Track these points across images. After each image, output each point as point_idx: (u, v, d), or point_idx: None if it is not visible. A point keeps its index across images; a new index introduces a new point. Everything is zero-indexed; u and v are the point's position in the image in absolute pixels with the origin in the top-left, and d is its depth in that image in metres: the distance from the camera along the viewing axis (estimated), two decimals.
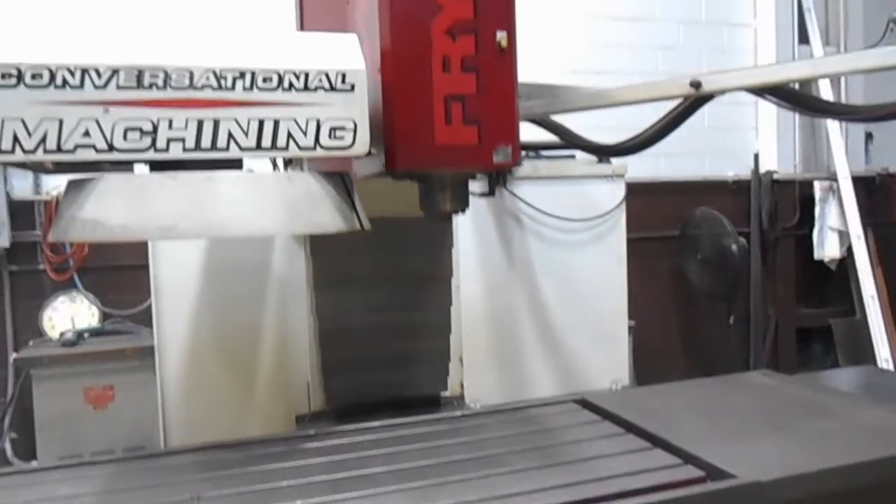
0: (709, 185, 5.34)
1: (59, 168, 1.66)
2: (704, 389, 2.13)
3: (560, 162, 3.24)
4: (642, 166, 4.47)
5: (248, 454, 1.71)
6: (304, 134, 1.55)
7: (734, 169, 5.44)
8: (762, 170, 5.39)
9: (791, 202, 5.49)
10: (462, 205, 1.84)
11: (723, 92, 2.21)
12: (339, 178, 1.68)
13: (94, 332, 3.77)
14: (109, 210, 1.45)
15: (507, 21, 1.67)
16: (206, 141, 1.50)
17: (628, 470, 1.50)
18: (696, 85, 2.18)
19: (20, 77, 1.39)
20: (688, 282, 5.07)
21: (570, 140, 2.71)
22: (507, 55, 1.67)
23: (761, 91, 2.18)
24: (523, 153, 3.18)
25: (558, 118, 2.76)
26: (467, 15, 1.63)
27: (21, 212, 3.89)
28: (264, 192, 1.52)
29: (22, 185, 3.95)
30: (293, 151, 1.55)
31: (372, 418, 2.40)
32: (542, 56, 4.76)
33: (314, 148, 1.56)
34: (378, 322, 2.52)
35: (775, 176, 5.38)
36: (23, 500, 1.44)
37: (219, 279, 2.55)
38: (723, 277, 4.79)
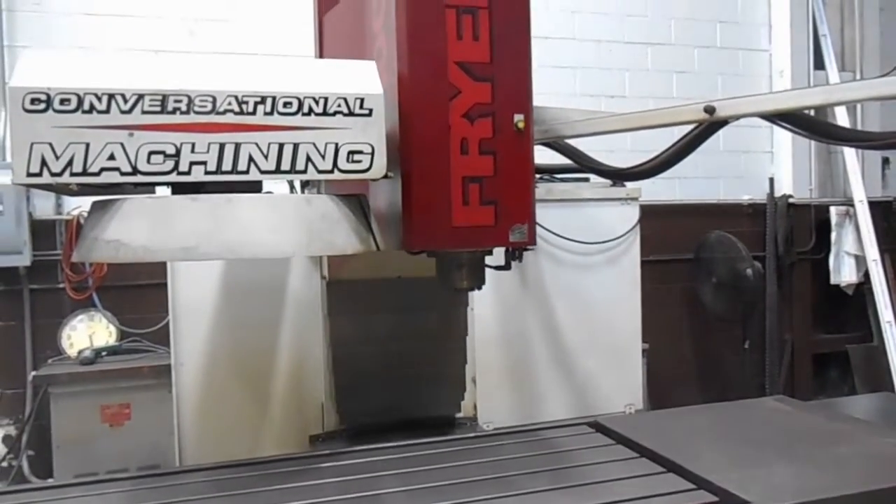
0: (724, 208, 5.33)
1: (84, 190, 1.70)
2: (718, 414, 2.12)
3: (574, 185, 3.27)
4: (657, 189, 4.49)
5: (260, 473, 1.72)
6: (323, 157, 1.59)
7: (749, 192, 5.44)
8: (778, 193, 5.38)
9: (807, 226, 5.47)
10: (478, 282, 1.86)
11: (737, 118, 2.23)
12: (355, 201, 1.71)
13: (112, 351, 3.81)
14: (132, 231, 1.48)
15: (525, 104, 1.71)
16: (227, 164, 1.53)
17: (641, 494, 1.50)
18: (710, 110, 2.19)
19: (49, 102, 1.44)
20: (702, 305, 5.05)
21: (583, 163, 2.73)
22: (525, 136, 1.71)
23: (775, 118, 2.19)
24: (537, 176, 3.21)
25: (572, 142, 2.80)
26: (485, 98, 1.66)
27: (43, 231, 3.95)
28: (283, 214, 1.55)
29: (43, 205, 4.02)
30: (312, 174, 1.59)
31: (385, 439, 2.40)
32: (556, 79, 4.82)
33: (332, 171, 1.60)
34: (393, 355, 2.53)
35: (791, 200, 5.37)
36: None
37: (236, 299, 2.59)
38: (737, 301, 4.76)
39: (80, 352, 3.69)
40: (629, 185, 3.27)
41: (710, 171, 5.28)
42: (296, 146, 1.57)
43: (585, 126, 2.56)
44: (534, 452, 1.80)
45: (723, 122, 2.28)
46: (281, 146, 1.56)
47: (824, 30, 5.50)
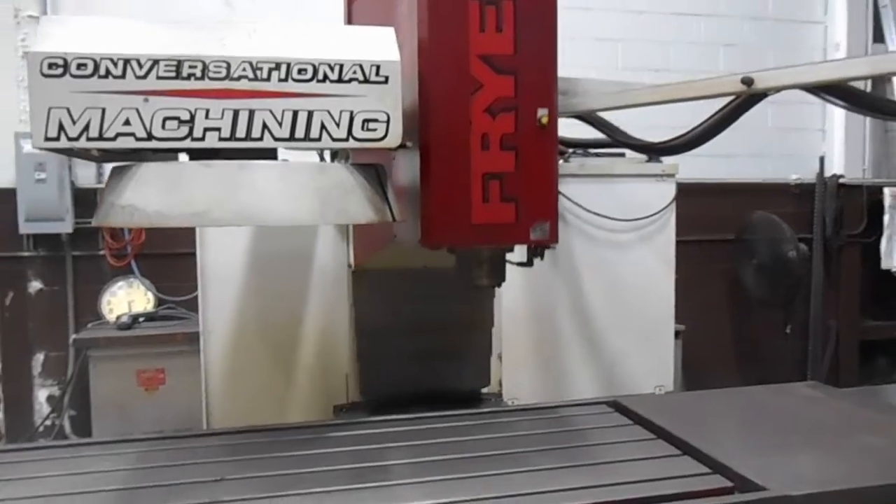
0: (769, 188, 5.15)
1: (106, 156, 1.71)
2: (745, 398, 2.06)
3: (608, 160, 3.18)
4: (698, 167, 4.36)
5: (276, 440, 1.73)
6: (338, 125, 1.56)
7: (797, 172, 5.23)
8: (828, 173, 5.17)
9: (858, 208, 5.24)
10: (499, 279, 1.81)
11: (777, 90, 2.13)
12: (372, 170, 1.69)
13: (149, 317, 3.91)
14: (147, 197, 1.49)
15: (549, 98, 1.63)
16: (241, 130, 1.52)
17: (652, 476, 1.46)
18: (747, 82, 2.10)
19: (66, 67, 1.44)
20: (743, 288, 4.91)
21: (616, 137, 2.66)
22: (548, 132, 1.63)
23: (818, 90, 2.08)
24: (570, 150, 3.14)
25: (606, 115, 2.72)
26: (508, 93, 1.60)
27: (84, 199, 4.05)
28: (296, 182, 1.54)
29: (85, 174, 4.12)
30: (326, 142, 1.56)
31: (409, 412, 2.39)
32: (597, 52, 4.70)
33: (347, 139, 1.57)
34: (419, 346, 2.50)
35: (842, 180, 5.16)
36: (55, 473, 1.50)
37: (263, 268, 2.61)
38: (780, 284, 4.61)
39: (118, 317, 3.79)
40: (666, 161, 3.18)
41: (757, 149, 5.09)
42: (310, 113, 1.55)
43: (619, 98, 2.49)
44: (548, 430, 1.78)
45: (762, 95, 2.18)
46: (295, 113, 1.54)
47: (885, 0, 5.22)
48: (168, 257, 4.01)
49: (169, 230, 3.65)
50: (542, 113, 1.61)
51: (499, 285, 1.82)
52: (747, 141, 4.93)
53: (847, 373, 5.19)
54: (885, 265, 5.18)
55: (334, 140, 1.57)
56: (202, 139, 1.50)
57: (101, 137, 1.47)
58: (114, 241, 4.03)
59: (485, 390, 2.75)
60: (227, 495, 1.38)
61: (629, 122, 2.77)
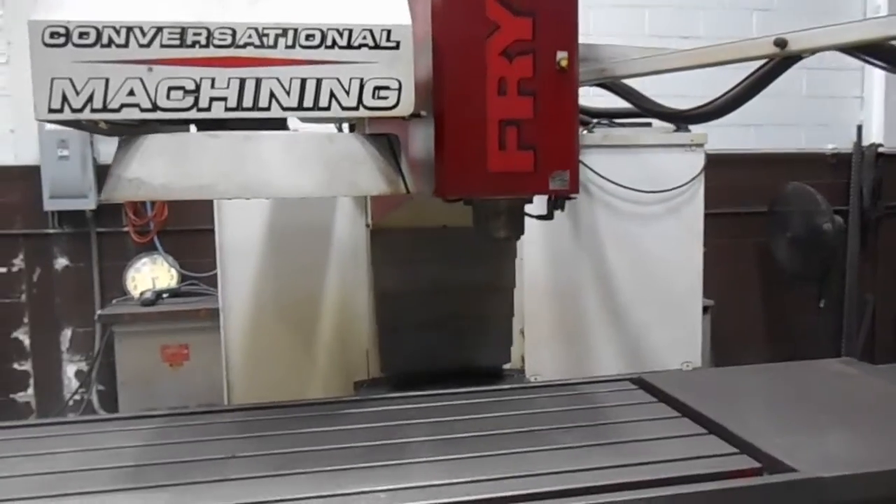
0: (803, 158, 4.97)
1: (114, 129, 1.68)
2: (774, 375, 1.98)
3: (633, 130, 3.09)
4: (730, 137, 4.23)
5: (292, 416, 1.71)
6: (347, 93, 1.50)
7: (834, 142, 5.04)
8: (866, 142, 4.97)
9: None
10: (517, 231, 1.75)
11: (812, 52, 2.01)
12: (384, 140, 1.63)
13: (172, 293, 3.92)
14: (152, 169, 1.45)
15: (569, 40, 1.55)
16: (247, 100, 1.47)
17: (677, 456, 1.40)
18: (781, 44, 1.99)
19: (68, 36, 1.40)
20: (775, 261, 4.76)
21: (641, 105, 2.56)
22: (568, 76, 1.56)
23: (859, 51, 1.96)
24: (594, 120, 3.05)
25: (632, 83, 2.62)
26: (525, 35, 1.53)
27: (107, 176, 4.05)
28: (303, 153, 1.49)
29: (107, 150, 4.12)
30: (335, 111, 1.51)
31: (430, 388, 2.37)
32: (622, 18, 4.55)
33: (357, 108, 1.51)
34: (439, 310, 2.45)
35: (881, 149, 4.95)
36: (70, 449, 1.49)
37: (281, 243, 2.58)
38: (814, 258, 4.47)
39: (142, 293, 3.81)
40: (694, 130, 3.07)
41: (791, 118, 4.91)
42: (319, 81, 1.49)
43: (644, 64, 2.38)
44: (569, 407, 1.72)
45: (796, 58, 2.07)
46: (303, 81, 1.49)
47: None
48: (190, 233, 4.01)
49: (190, 205, 3.72)
50: (562, 56, 1.53)
51: (518, 237, 1.77)
52: (780, 109, 4.75)
53: (883, 349, 5.04)
54: None
55: (344, 109, 1.51)
56: (208, 109, 1.46)
57: (105, 108, 1.43)
58: (136, 217, 4.04)
59: (507, 366, 2.71)
60: (238, 473, 1.36)
61: (653, 93, 2.66)
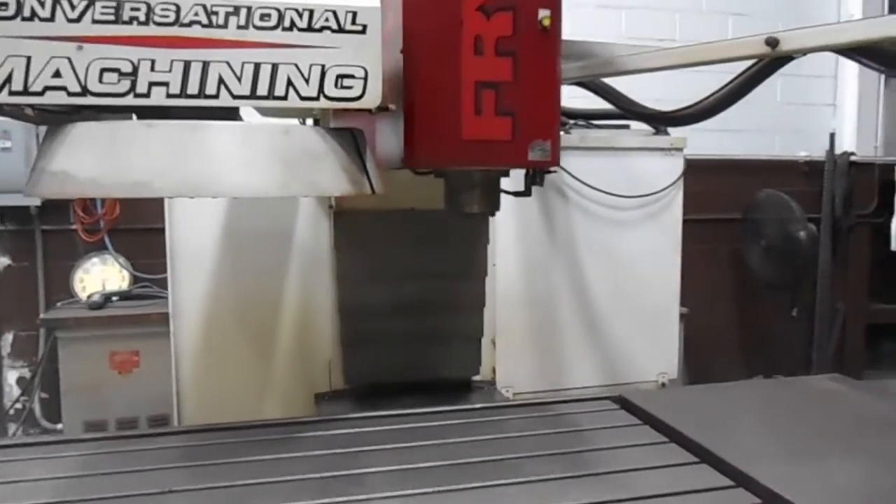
0: (777, 165, 4.94)
1: (44, 116, 1.49)
2: (763, 393, 1.86)
3: (611, 132, 2.98)
4: (703, 142, 4.14)
5: (240, 441, 1.53)
6: (307, 81, 1.35)
7: (807, 149, 5.02)
8: (839, 150, 4.96)
9: (869, 187, 5.03)
10: (491, 206, 1.64)
11: (804, 52, 1.91)
12: (347, 134, 1.47)
13: (123, 296, 3.69)
14: (80, 162, 1.27)
15: None
16: (193, 86, 1.31)
17: (666, 489, 1.26)
18: (772, 43, 1.88)
19: None
20: (748, 269, 4.71)
21: (622, 106, 2.45)
22: (550, 36, 1.45)
23: (852, 52, 1.87)
24: (571, 122, 2.93)
25: (611, 83, 2.50)
26: None
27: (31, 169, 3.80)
28: (255, 147, 1.32)
29: None
30: (293, 101, 1.35)
31: (395, 401, 2.29)
32: (599, 20, 4.46)
33: (317, 97, 1.36)
34: (405, 297, 2.31)
35: (853, 158, 4.94)
36: None
37: (238, 245, 2.42)
38: (788, 266, 4.42)
39: (89, 296, 3.58)
40: (674, 133, 2.97)
41: (765, 124, 4.87)
42: (274, 67, 1.34)
43: (628, 62, 2.25)
44: (545, 430, 1.58)
45: (786, 59, 1.97)
46: (257, 67, 1.33)
47: None
48: (144, 232, 3.78)
49: (144, 203, 3.50)
50: (544, 14, 1.42)
51: (492, 214, 1.65)
52: (755, 116, 4.71)
53: (853, 357, 5.03)
54: (894, 246, 4.98)
55: (303, 99, 1.36)
56: (147, 95, 1.29)
57: (26, 91, 1.25)
58: (85, 214, 3.80)
59: (477, 378, 2.58)
60: None
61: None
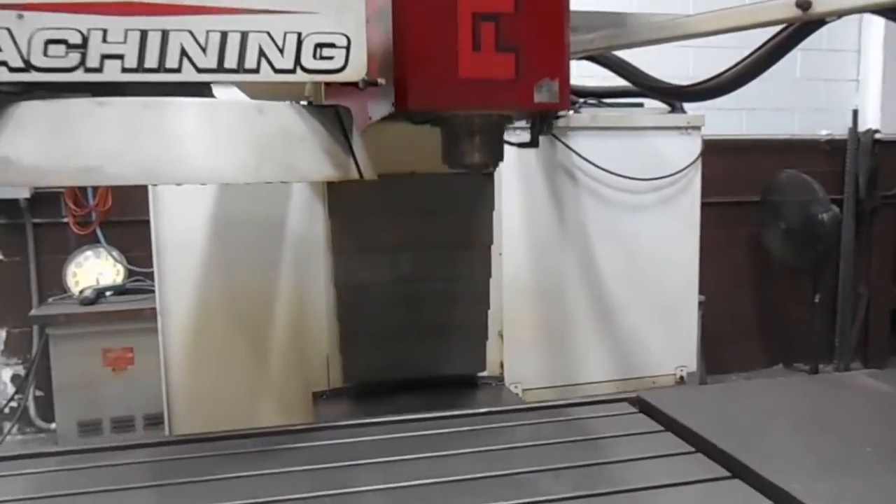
0: (797, 144, 4.74)
1: None
2: (798, 393, 1.70)
3: (624, 111, 2.83)
4: (720, 121, 3.98)
5: (215, 454, 1.39)
6: (281, 51, 1.19)
7: (828, 127, 4.81)
8: (862, 128, 4.74)
9: (894, 166, 4.82)
10: (494, 157, 1.47)
11: (839, 14, 1.73)
12: (331, 112, 1.31)
13: (118, 291, 3.56)
14: (23, 146, 1.12)
15: None
16: (151, 59, 1.15)
17: None
18: (803, 5, 1.71)
19: None
20: (768, 253, 4.52)
21: (636, 80, 2.28)
22: None
23: (894, 12, 1.68)
24: (581, 100, 2.76)
25: (624, 55, 2.33)
26: None
27: None
28: (223, 126, 1.16)
29: None
30: (266, 74, 1.19)
31: (396, 400, 2.20)
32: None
33: (294, 70, 1.20)
34: (405, 287, 2.18)
35: (878, 135, 4.74)
36: None
37: (229, 235, 2.29)
38: (810, 250, 4.23)
39: (81, 291, 3.44)
40: (690, 111, 2.80)
41: (784, 102, 4.67)
42: (244, 36, 1.18)
43: (642, 33, 2.08)
44: (556, 440, 1.43)
45: (818, 23, 1.79)
46: (224, 36, 1.17)
47: None
48: (138, 224, 3.59)
49: (137, 192, 3.35)
50: None
51: (495, 165, 1.49)
52: (773, 93, 4.52)
53: (876, 344, 4.85)
54: None
55: (277, 71, 1.20)
56: (99, 70, 1.13)
57: None
58: (76, 206, 3.66)
59: (484, 374, 2.44)
60: None
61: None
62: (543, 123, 1.47)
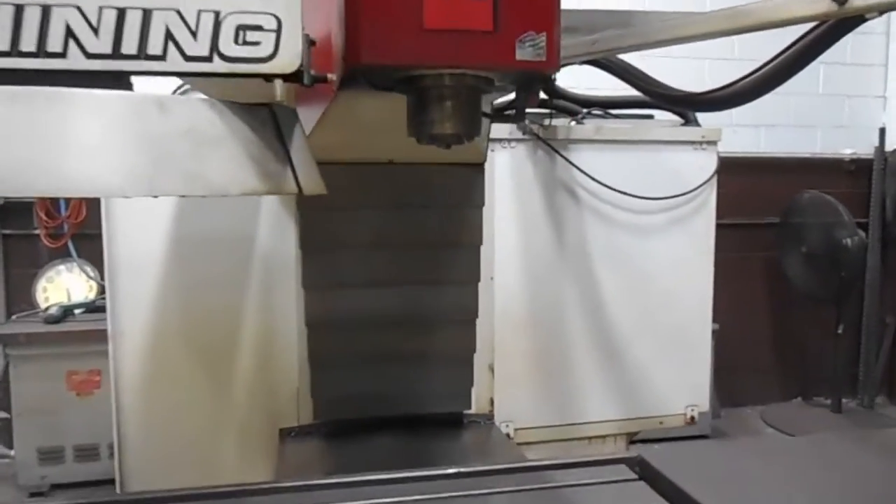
0: (819, 164, 4.50)
1: None
2: (831, 453, 1.43)
3: (632, 123, 2.57)
4: (736, 138, 3.75)
5: None
6: (194, 35, 0.97)
7: (853, 146, 4.55)
8: (889, 147, 4.49)
9: None
10: (467, 127, 1.24)
11: (880, 9, 1.48)
12: (264, 111, 1.08)
13: (89, 308, 3.34)
14: None
15: None
16: (28, 41, 0.93)
17: None
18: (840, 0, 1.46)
19: None
20: (787, 279, 4.25)
21: (644, 87, 2.04)
22: None
23: None
24: (584, 111, 2.53)
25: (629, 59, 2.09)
26: None
27: None
28: (111, 125, 0.92)
29: None
30: (174, 62, 0.97)
31: (371, 439, 2.05)
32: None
33: (210, 57, 0.97)
34: (382, 311, 2.02)
35: None
36: None
37: (190, 255, 2.12)
38: (833, 277, 3.95)
39: (45, 308, 3.23)
40: (705, 124, 2.56)
41: (805, 118, 4.42)
42: (147, 14, 0.95)
43: (650, 33, 1.84)
44: None
45: (857, 20, 1.54)
46: (121, 14, 0.94)
47: None
48: None
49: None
50: None
51: (470, 137, 1.25)
52: (793, 109, 4.28)
53: None
54: None
55: (188, 59, 0.97)
56: None
57: None
58: (48, 217, 3.46)
59: (472, 411, 2.24)
60: None
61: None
62: (530, 88, 1.25)
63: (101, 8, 0.94)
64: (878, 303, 4.39)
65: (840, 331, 4.20)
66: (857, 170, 4.54)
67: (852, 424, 3.71)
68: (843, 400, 4.23)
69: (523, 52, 1.08)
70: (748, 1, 1.58)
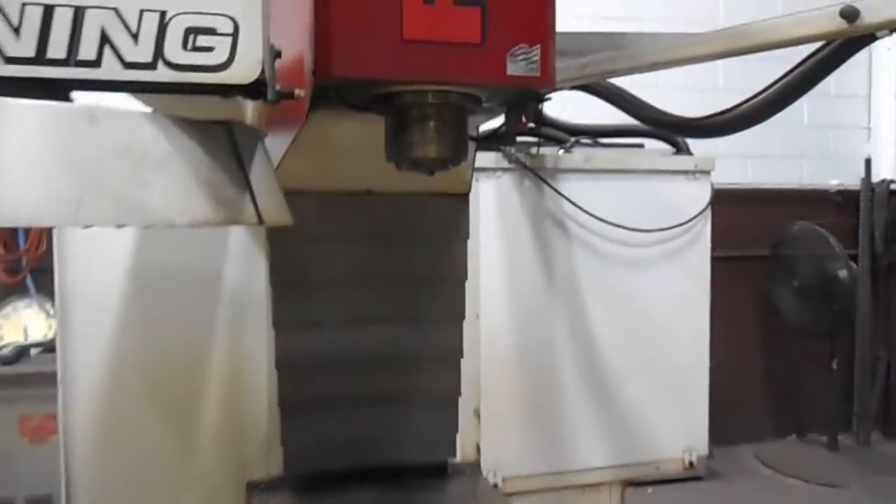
0: (806, 195, 4.51)
1: None
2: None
3: (623, 152, 2.52)
4: (725, 170, 3.67)
5: None
6: (135, 38, 0.84)
7: (839, 176, 4.54)
8: (876, 178, 4.49)
9: None
10: (452, 151, 1.12)
11: (892, 29, 1.39)
12: (220, 130, 0.95)
13: (47, 348, 3.15)
14: None
15: None
16: None
17: None
18: (849, 16, 1.37)
19: None
20: (778, 313, 4.17)
21: (637, 112, 1.95)
22: None
23: None
24: (573, 139, 2.45)
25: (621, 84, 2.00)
26: None
27: None
28: (28, 142, 0.78)
29: None
30: (111, 70, 0.83)
31: (347, 493, 1.91)
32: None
33: (153, 65, 0.84)
34: (358, 353, 1.88)
35: (893, 186, 4.47)
36: None
37: (150, 292, 1.97)
38: (826, 310, 3.86)
39: (0, 348, 3.04)
40: (698, 153, 2.51)
41: (792, 149, 4.43)
42: (79, 12, 0.82)
43: (645, 55, 1.73)
44: None
45: (867, 39, 1.45)
46: (49, 11, 0.81)
47: None
48: None
49: None
50: None
51: (455, 162, 1.14)
52: (779, 140, 4.26)
53: None
54: None
55: (127, 66, 0.84)
56: None
57: None
58: (6, 250, 3.29)
59: (458, 459, 2.08)
60: None
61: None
62: (521, 109, 1.13)
63: (23, 5, 0.80)
64: (871, 336, 4.31)
65: (835, 366, 4.11)
66: (843, 201, 4.53)
67: (851, 463, 3.59)
68: (840, 436, 4.13)
69: (515, 67, 0.98)
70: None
